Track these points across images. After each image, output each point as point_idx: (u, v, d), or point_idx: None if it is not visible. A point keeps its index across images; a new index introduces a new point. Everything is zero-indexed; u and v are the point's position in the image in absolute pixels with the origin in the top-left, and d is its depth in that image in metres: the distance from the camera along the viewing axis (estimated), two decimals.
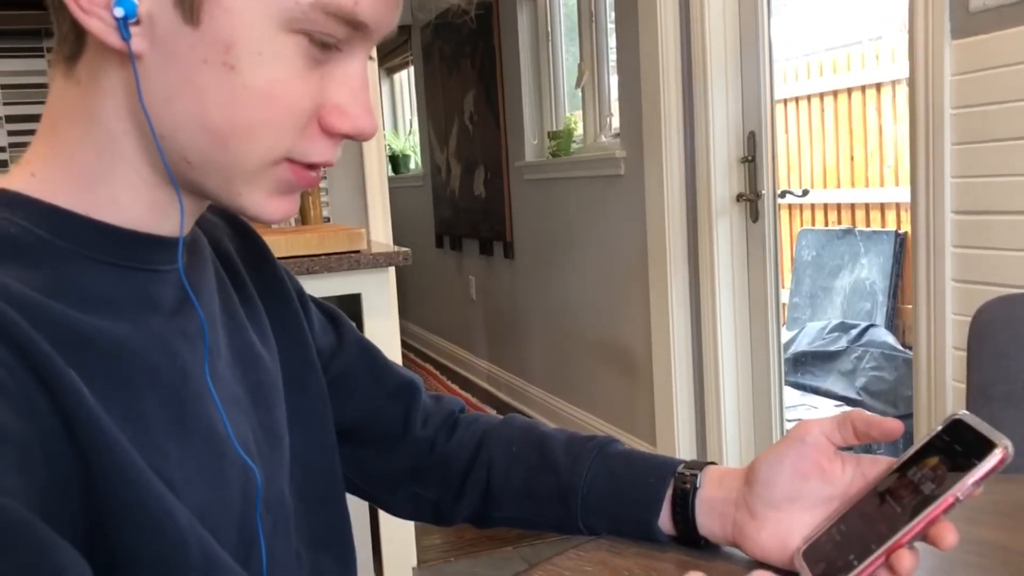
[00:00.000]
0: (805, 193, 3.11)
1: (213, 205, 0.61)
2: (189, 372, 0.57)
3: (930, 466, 0.58)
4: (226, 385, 0.61)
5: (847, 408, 3.45)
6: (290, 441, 0.68)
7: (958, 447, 0.57)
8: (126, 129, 0.54)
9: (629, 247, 3.07)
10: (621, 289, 3.18)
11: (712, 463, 0.72)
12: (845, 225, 4.48)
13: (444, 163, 4.95)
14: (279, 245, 1.86)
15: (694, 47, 2.64)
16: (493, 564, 2.61)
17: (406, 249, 2.03)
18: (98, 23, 0.50)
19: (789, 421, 2.79)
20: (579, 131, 3.60)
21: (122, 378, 0.52)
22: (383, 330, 1.98)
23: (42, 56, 2.60)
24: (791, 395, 3.57)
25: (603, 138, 3.41)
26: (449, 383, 4.85)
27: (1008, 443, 0.55)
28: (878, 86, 4.35)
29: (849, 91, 4.52)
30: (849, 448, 0.65)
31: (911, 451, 0.60)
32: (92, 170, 0.54)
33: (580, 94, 3.53)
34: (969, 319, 1.13)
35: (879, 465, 0.62)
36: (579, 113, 3.62)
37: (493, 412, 4.13)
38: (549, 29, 3.77)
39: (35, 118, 2.61)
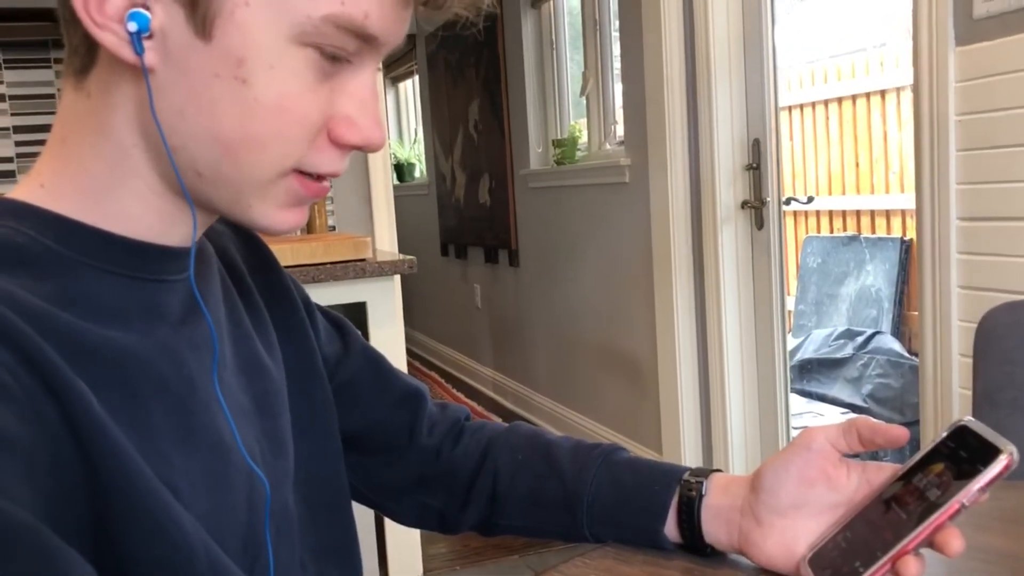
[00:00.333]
0: (810, 200, 3.11)
1: None
2: (196, 381, 0.57)
3: (935, 472, 0.58)
4: (232, 394, 0.61)
5: (853, 415, 3.44)
6: (295, 449, 0.68)
7: (963, 453, 0.57)
8: (136, 142, 0.54)
9: (634, 255, 3.07)
10: (626, 297, 3.17)
11: (718, 470, 0.72)
12: (850, 232, 4.47)
13: (449, 171, 4.96)
14: (285, 254, 1.87)
15: (698, 54, 2.64)
16: (499, 572, 2.61)
17: (411, 257, 2.03)
18: (112, 37, 0.51)
19: (795, 428, 2.78)
20: (583, 139, 3.61)
21: (129, 387, 0.52)
22: (388, 338, 1.98)
23: (50, 67, 2.61)
24: (797, 402, 3.57)
25: (607, 146, 3.42)
26: (454, 391, 4.85)
27: (1013, 449, 0.56)
28: (883, 93, 4.35)
29: (854, 98, 4.52)
30: (855, 455, 0.65)
31: (916, 458, 0.60)
32: (102, 181, 0.55)
33: (584, 102, 3.54)
34: (975, 326, 1.13)
35: (884, 472, 0.62)
36: (583, 121, 3.62)
37: (498, 420, 4.12)
38: (553, 37, 3.78)
39: (43, 129, 2.63)
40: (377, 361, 0.82)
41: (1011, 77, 1.63)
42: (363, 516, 1.91)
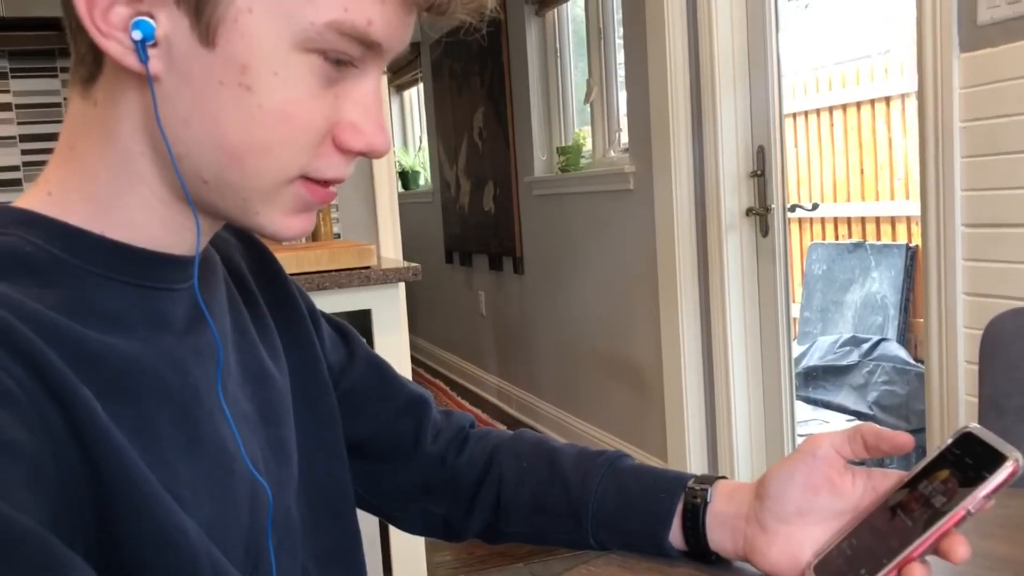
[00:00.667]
0: (815, 207, 3.10)
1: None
2: (200, 390, 0.57)
3: (941, 479, 0.58)
4: (236, 402, 0.61)
5: (859, 423, 3.43)
6: (300, 457, 0.68)
7: (969, 460, 0.57)
8: (143, 150, 0.54)
9: (639, 262, 3.07)
10: (631, 304, 3.17)
11: (723, 477, 0.72)
12: (855, 239, 4.47)
13: (454, 179, 4.97)
14: (289, 261, 1.87)
15: (702, 62, 2.64)
16: None
17: (416, 265, 2.04)
18: (116, 46, 0.51)
19: (801, 436, 2.78)
20: (588, 146, 3.61)
21: (134, 395, 0.52)
22: (393, 346, 1.98)
23: (56, 76, 2.62)
24: (802, 410, 3.56)
25: (612, 153, 3.42)
26: (459, 398, 4.84)
27: (1019, 456, 0.55)
28: (887, 99, 4.35)
29: (858, 104, 4.52)
30: (861, 462, 0.65)
31: (922, 464, 0.60)
32: (108, 190, 0.55)
33: (589, 109, 3.54)
34: (981, 332, 1.12)
35: (890, 479, 0.62)
36: (588, 128, 3.63)
37: (503, 427, 4.12)
38: (558, 45, 3.79)
39: (50, 137, 2.64)
40: (381, 368, 0.82)
41: (1015, 83, 1.63)
42: (368, 524, 1.91)
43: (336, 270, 1.94)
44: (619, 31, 3.28)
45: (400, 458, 0.81)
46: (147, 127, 0.54)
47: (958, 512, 0.55)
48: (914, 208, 3.88)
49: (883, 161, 4.41)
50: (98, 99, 0.54)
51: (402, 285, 2.08)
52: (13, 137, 2.62)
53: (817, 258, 4.50)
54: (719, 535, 0.68)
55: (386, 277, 1.97)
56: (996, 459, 0.56)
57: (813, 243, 4.64)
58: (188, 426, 0.55)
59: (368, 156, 0.57)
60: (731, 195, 2.64)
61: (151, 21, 0.50)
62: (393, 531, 2.16)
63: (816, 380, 3.79)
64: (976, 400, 1.14)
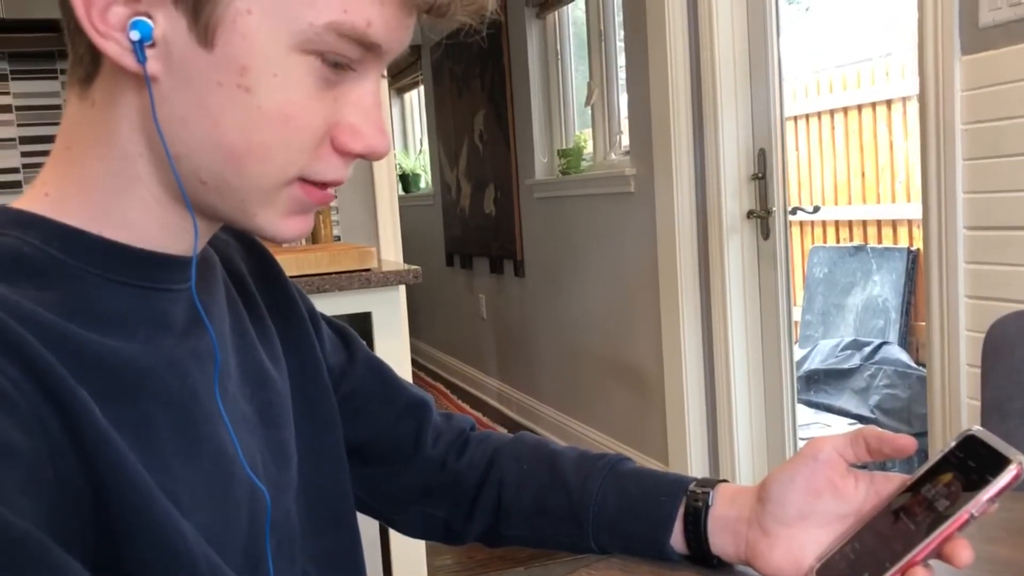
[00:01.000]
0: (816, 210, 3.10)
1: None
2: (199, 392, 0.57)
3: (944, 483, 0.58)
4: (235, 405, 0.61)
5: (860, 426, 3.43)
6: (300, 460, 0.68)
7: (972, 463, 0.57)
8: (141, 151, 0.54)
9: (640, 265, 3.07)
10: (632, 307, 3.17)
11: (724, 481, 0.71)
12: (857, 242, 4.47)
13: (454, 182, 4.97)
14: (289, 264, 1.87)
15: (703, 65, 2.64)
16: None
17: (416, 267, 2.03)
18: (114, 46, 0.51)
19: (802, 439, 2.77)
20: (589, 149, 3.61)
21: (132, 397, 0.52)
22: (393, 349, 1.98)
23: (56, 78, 2.62)
24: (804, 413, 3.55)
25: (613, 156, 3.42)
26: (459, 402, 4.84)
27: (1023, 458, 0.55)
28: (888, 102, 4.35)
29: (859, 107, 4.53)
30: (863, 465, 0.65)
31: (925, 468, 0.60)
32: (106, 190, 0.55)
33: (590, 112, 3.55)
34: (983, 335, 1.12)
35: (892, 482, 0.62)
36: (589, 131, 3.63)
37: (504, 431, 4.11)
38: (558, 48, 3.79)
39: (49, 139, 2.64)
40: (382, 371, 0.82)
41: (1017, 86, 1.62)
42: (367, 527, 1.91)
43: (336, 272, 1.94)
44: (620, 33, 3.28)
45: (400, 461, 0.81)
46: (145, 128, 0.53)
47: (961, 516, 0.55)
48: (915, 211, 3.88)
49: (884, 164, 4.41)
50: (96, 99, 0.54)
51: (402, 288, 2.07)
52: (13, 139, 2.62)
53: (818, 261, 4.50)
54: (721, 539, 0.68)
55: (386, 280, 1.97)
56: (999, 462, 0.55)
57: (814, 246, 4.64)
58: (187, 429, 0.55)
59: (367, 158, 0.56)
60: (732, 198, 2.64)
61: (149, 21, 0.50)
62: (393, 534, 2.15)
63: (818, 383, 3.78)
64: (978, 403, 1.14)
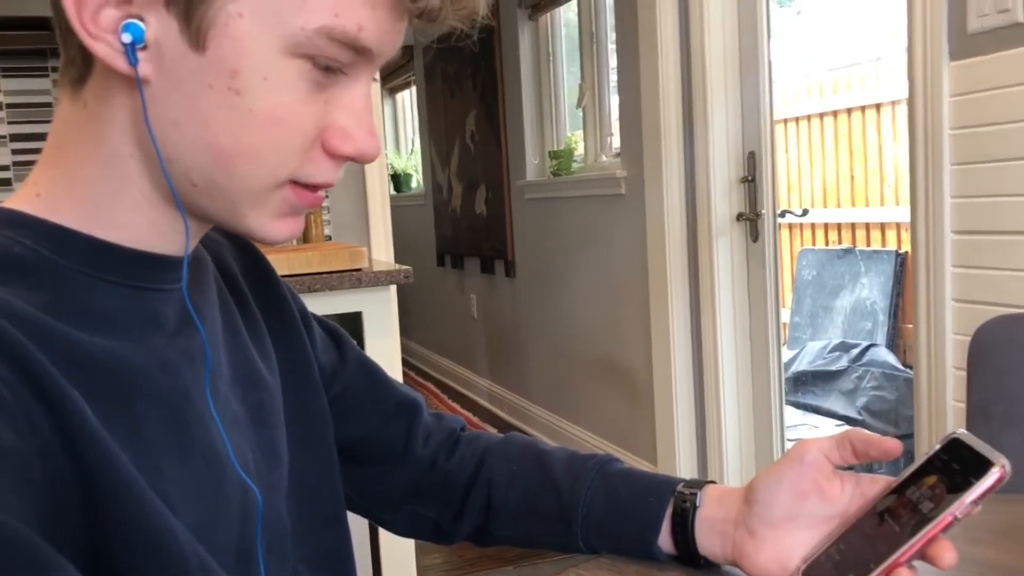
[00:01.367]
0: (805, 213, 3.11)
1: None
2: (191, 392, 0.57)
3: (928, 485, 0.58)
4: (227, 404, 0.61)
5: (848, 427, 3.44)
6: (291, 460, 0.68)
7: (956, 466, 0.58)
8: (132, 152, 0.54)
9: (630, 266, 3.08)
10: (622, 308, 3.18)
11: (712, 482, 0.72)
12: (845, 245, 4.49)
13: (446, 182, 4.97)
14: (280, 263, 1.86)
15: (694, 67, 2.65)
16: None
17: (407, 267, 2.03)
18: (105, 48, 0.51)
19: (790, 440, 2.78)
20: (580, 150, 3.62)
21: (124, 397, 0.52)
22: (384, 348, 1.98)
23: (47, 75, 2.62)
24: (792, 415, 3.57)
25: (604, 157, 3.43)
26: (450, 401, 4.84)
27: (1006, 462, 0.56)
28: (878, 106, 4.37)
29: (849, 111, 4.54)
30: (849, 467, 0.65)
31: (909, 470, 0.60)
32: (97, 191, 0.55)
33: (581, 114, 3.55)
34: (969, 338, 1.13)
35: (878, 484, 0.62)
36: (580, 132, 3.64)
37: (494, 431, 4.11)
38: (550, 50, 3.80)
39: (40, 137, 2.63)
40: (373, 371, 0.82)
41: (1005, 92, 1.64)
42: (357, 526, 1.90)
43: (327, 272, 1.94)
44: (611, 36, 3.29)
45: (391, 461, 0.81)
46: (136, 129, 0.54)
47: (945, 518, 0.56)
48: (904, 214, 3.89)
49: (873, 167, 4.43)
50: (87, 100, 0.54)
51: (393, 288, 2.07)
52: (4, 137, 2.61)
53: (807, 263, 4.51)
54: (708, 539, 0.68)
55: (377, 280, 1.97)
56: (983, 465, 0.56)
57: (803, 248, 4.66)
58: (178, 429, 0.55)
59: (358, 161, 0.56)
60: (722, 200, 2.65)
61: (141, 24, 0.50)
62: (382, 533, 2.15)
63: (805, 385, 3.80)
64: (963, 406, 1.15)
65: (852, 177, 4.56)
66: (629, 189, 3.04)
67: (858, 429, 0.66)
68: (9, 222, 0.54)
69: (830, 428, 3.48)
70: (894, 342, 3.94)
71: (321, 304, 1.89)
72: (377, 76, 0.57)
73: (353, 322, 1.97)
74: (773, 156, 2.59)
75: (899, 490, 0.60)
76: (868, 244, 4.40)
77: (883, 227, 4.35)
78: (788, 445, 2.71)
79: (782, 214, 2.65)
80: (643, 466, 2.93)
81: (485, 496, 0.79)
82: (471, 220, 4.59)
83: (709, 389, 2.76)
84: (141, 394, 0.53)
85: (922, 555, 0.57)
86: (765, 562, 0.64)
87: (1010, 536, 0.73)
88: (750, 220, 2.61)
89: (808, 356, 3.92)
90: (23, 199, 0.56)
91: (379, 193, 2.87)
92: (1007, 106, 1.63)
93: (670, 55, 2.71)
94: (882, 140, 4.37)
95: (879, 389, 3.54)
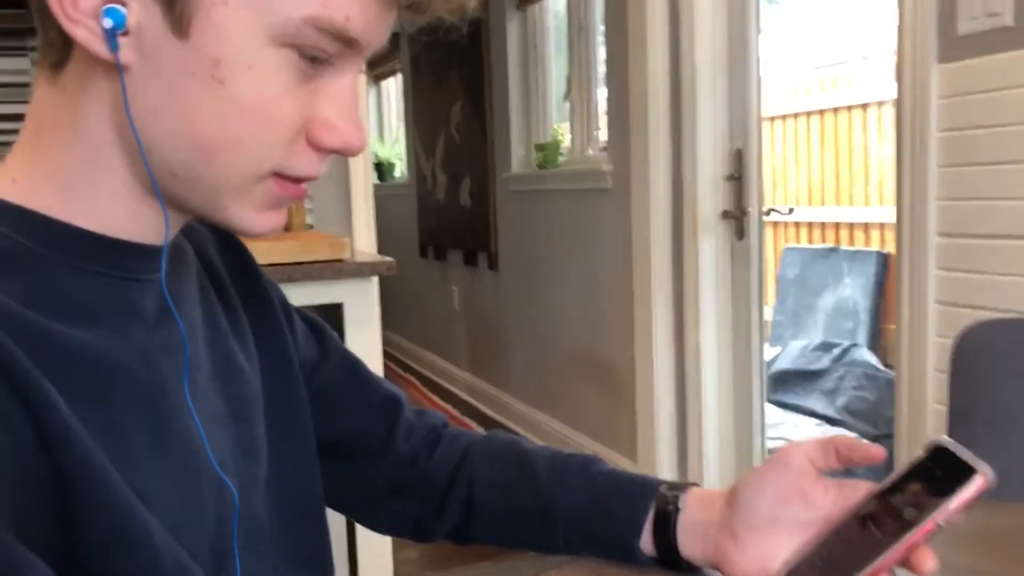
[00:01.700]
0: (791, 211, 3.12)
1: None
2: (169, 386, 0.56)
3: (911, 491, 0.58)
4: (206, 398, 0.60)
5: (828, 427, 3.46)
6: (270, 455, 0.67)
7: (939, 473, 0.58)
8: (111, 139, 0.53)
9: (613, 261, 3.08)
10: (605, 303, 3.18)
11: (694, 484, 0.71)
12: (829, 244, 4.51)
13: (430, 172, 4.95)
14: (260, 252, 1.83)
15: (683, 63, 2.65)
16: None
17: (390, 259, 2.02)
18: (85, 32, 0.49)
19: (770, 439, 2.80)
20: (566, 143, 3.61)
21: (101, 391, 0.51)
22: (365, 341, 1.96)
23: (26, 55, 2.58)
24: (772, 413, 3.58)
25: (590, 151, 3.42)
26: (430, 395, 4.83)
27: (989, 470, 0.56)
28: (864, 106, 4.39)
29: (836, 111, 4.56)
30: (832, 473, 0.65)
31: (893, 476, 0.60)
32: (74, 178, 0.54)
33: (568, 106, 3.54)
34: (951, 341, 1.13)
35: (861, 490, 0.62)
36: (566, 125, 3.63)
37: (474, 424, 4.12)
38: (538, 41, 3.79)
39: (18, 118, 2.58)
40: (355, 366, 0.81)
41: (993, 95, 1.64)
42: (334, 521, 1.89)
43: (308, 262, 1.92)
44: (600, 28, 3.28)
45: (371, 457, 0.80)
46: (116, 116, 0.52)
47: (927, 525, 0.56)
48: (888, 215, 3.92)
49: (858, 167, 4.45)
50: (66, 85, 0.53)
51: (375, 279, 2.06)
52: None
53: (791, 262, 4.53)
54: (690, 542, 0.68)
55: (359, 271, 1.95)
56: (966, 472, 0.56)
57: (787, 247, 4.67)
58: (155, 423, 0.54)
59: (343, 154, 0.55)
60: (708, 197, 2.65)
61: (122, 9, 0.49)
62: (359, 528, 2.15)
63: (787, 384, 3.81)
64: (943, 408, 1.15)
65: (837, 177, 4.58)
66: (615, 184, 3.04)
67: (843, 435, 0.66)
68: None
69: (810, 427, 3.50)
70: (876, 342, 3.96)
71: (301, 295, 1.87)
72: (363, 66, 0.55)
73: (334, 313, 1.95)
74: (760, 154, 2.59)
75: (882, 496, 0.60)
76: (852, 243, 4.42)
77: (867, 227, 4.37)
78: (769, 443, 2.73)
79: (768, 212, 2.65)
80: (623, 462, 2.94)
81: (466, 494, 0.78)
82: (455, 211, 4.57)
83: (691, 386, 2.77)
84: (119, 388, 0.52)
85: (903, 562, 0.57)
86: (747, 566, 0.64)
87: (991, 543, 0.73)
88: (735, 218, 2.61)
89: (790, 355, 3.93)
90: None
91: (363, 182, 2.85)
92: (994, 110, 1.64)
93: (659, 49, 2.70)
94: (868, 140, 4.39)
95: (860, 389, 3.56)
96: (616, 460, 3.02)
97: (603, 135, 3.30)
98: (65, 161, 0.53)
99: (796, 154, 4.82)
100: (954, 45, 1.71)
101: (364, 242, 2.85)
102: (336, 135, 0.54)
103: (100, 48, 0.49)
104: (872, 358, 3.73)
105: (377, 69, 6.15)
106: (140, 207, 0.55)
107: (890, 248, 4.03)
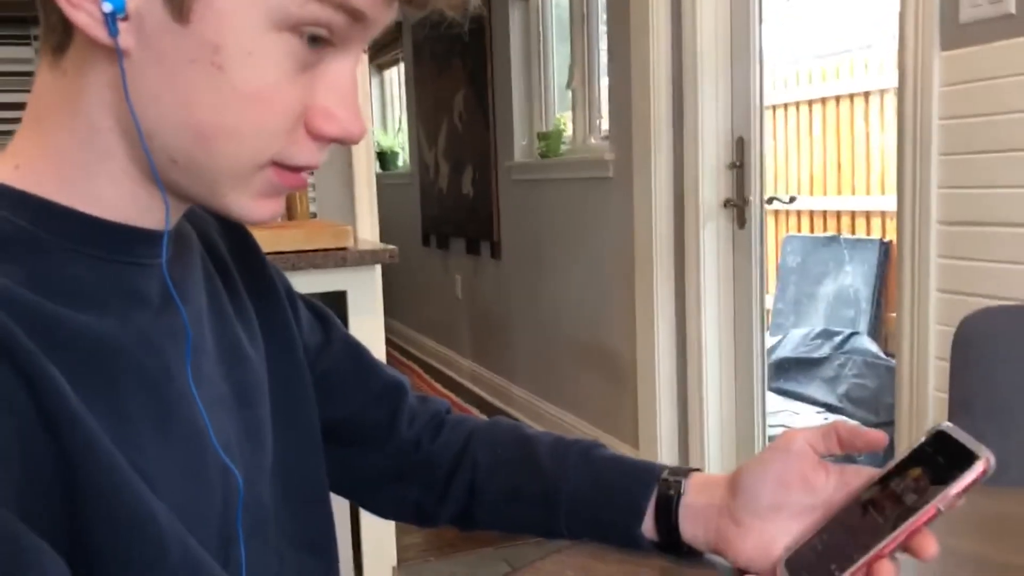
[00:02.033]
0: (792, 200, 3.12)
1: None
2: (173, 371, 0.56)
3: (913, 477, 0.58)
4: (210, 383, 0.60)
5: (829, 414, 3.47)
6: (274, 440, 0.67)
7: (941, 459, 0.58)
8: (111, 125, 0.53)
9: (616, 250, 3.08)
10: (607, 292, 3.18)
11: (696, 469, 0.72)
12: (830, 232, 4.50)
13: (433, 161, 4.94)
14: (264, 240, 1.84)
15: (685, 52, 2.64)
16: (473, 564, 2.61)
17: (393, 247, 2.02)
18: (85, 17, 0.49)
19: (771, 427, 2.80)
20: (568, 132, 3.61)
21: (106, 375, 0.51)
22: (368, 328, 1.97)
23: (29, 44, 2.58)
24: (774, 401, 3.59)
25: (592, 140, 3.42)
26: (433, 382, 4.84)
27: (990, 455, 0.56)
28: (866, 95, 4.38)
29: (838, 99, 4.55)
30: (833, 458, 0.65)
31: (894, 462, 0.60)
32: (76, 163, 0.54)
33: (570, 95, 3.54)
34: (952, 329, 1.13)
35: (862, 475, 0.63)
36: (569, 114, 3.62)
37: (477, 412, 4.13)
38: (541, 30, 3.77)
39: (21, 106, 2.58)
40: (358, 352, 0.82)
41: (995, 83, 1.64)
42: (338, 506, 1.90)
43: (312, 250, 1.92)
44: (603, 17, 3.27)
45: (375, 443, 0.80)
46: (116, 102, 0.52)
47: (929, 510, 0.56)
48: (890, 203, 3.91)
49: (860, 156, 4.44)
50: (67, 70, 0.53)
51: (378, 267, 2.06)
52: None
53: (792, 250, 4.53)
54: (692, 527, 0.68)
55: (363, 259, 1.96)
56: (968, 458, 0.56)
57: (788, 235, 4.67)
58: (160, 408, 0.54)
59: (343, 143, 0.55)
60: (710, 186, 2.65)
61: None
62: (364, 513, 2.16)
63: (788, 372, 3.82)
64: (945, 396, 1.15)
65: (839, 165, 4.57)
66: (617, 172, 3.03)
67: (845, 420, 0.66)
68: None
69: (811, 415, 3.51)
70: (876, 330, 3.96)
71: (305, 282, 1.87)
72: (365, 53, 0.55)
73: (337, 301, 1.96)
74: (762, 142, 2.59)
75: (883, 482, 0.60)
76: (853, 232, 4.42)
77: (868, 215, 4.36)
78: (770, 431, 2.73)
79: (769, 201, 2.65)
80: (625, 449, 2.95)
81: (469, 479, 0.79)
82: (457, 200, 4.57)
83: (692, 373, 2.77)
84: (123, 372, 0.52)
85: (905, 547, 0.57)
86: (749, 551, 0.65)
87: (992, 529, 0.73)
88: (737, 206, 2.61)
89: (791, 343, 3.94)
90: (1, 170, 0.54)
91: (365, 171, 2.85)
92: (997, 97, 1.63)
93: (661, 38, 2.70)
94: (870, 128, 4.37)
95: (860, 377, 3.57)
96: (618, 447, 3.03)
97: (605, 124, 3.29)
98: (65, 146, 0.53)
99: (798, 142, 4.81)
100: (956, 33, 1.70)
101: (367, 231, 2.85)
102: (335, 123, 0.54)
103: (100, 33, 0.49)
104: (873, 346, 3.73)
105: (380, 58, 6.13)
106: (140, 192, 0.55)
107: (891, 236, 4.03)
